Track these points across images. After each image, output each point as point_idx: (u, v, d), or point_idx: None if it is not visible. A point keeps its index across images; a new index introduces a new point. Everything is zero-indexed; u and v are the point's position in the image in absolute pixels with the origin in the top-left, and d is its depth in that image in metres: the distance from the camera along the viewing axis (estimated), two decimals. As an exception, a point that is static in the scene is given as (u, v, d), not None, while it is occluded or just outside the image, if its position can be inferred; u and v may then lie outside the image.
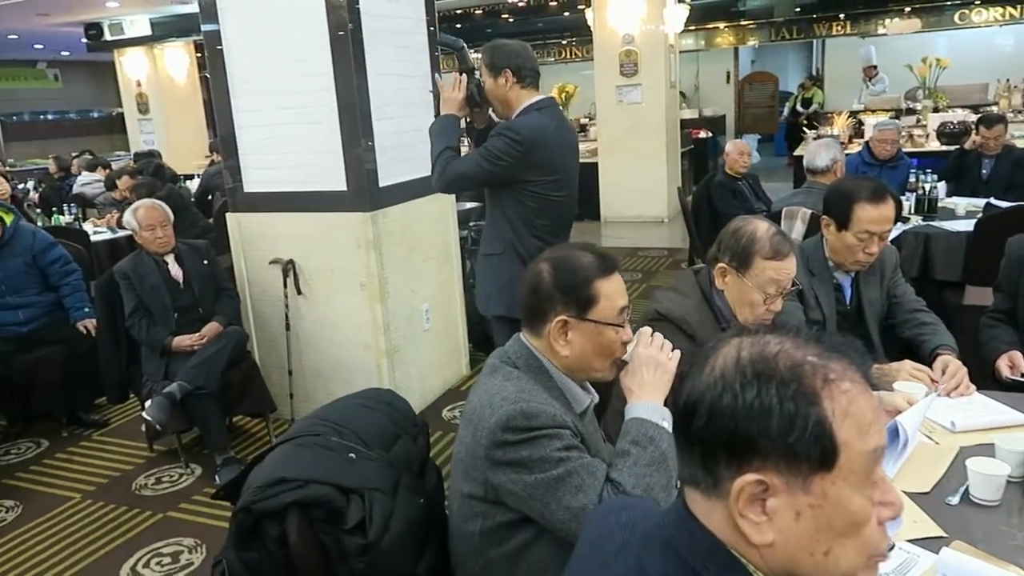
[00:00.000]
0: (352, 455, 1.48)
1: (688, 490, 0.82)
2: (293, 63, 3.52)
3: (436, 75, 3.14)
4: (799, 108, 12.68)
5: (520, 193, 2.61)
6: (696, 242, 5.17)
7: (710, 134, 11.58)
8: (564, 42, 14.08)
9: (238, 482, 1.50)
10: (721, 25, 12.89)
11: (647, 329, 1.53)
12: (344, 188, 3.56)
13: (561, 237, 2.75)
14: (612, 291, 1.47)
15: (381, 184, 3.62)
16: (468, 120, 2.77)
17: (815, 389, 0.74)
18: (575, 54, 14.11)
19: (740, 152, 5.03)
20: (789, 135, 12.92)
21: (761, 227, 1.90)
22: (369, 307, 3.65)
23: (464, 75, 2.67)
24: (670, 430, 1.41)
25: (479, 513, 1.42)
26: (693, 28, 11.96)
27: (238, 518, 1.41)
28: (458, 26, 12.74)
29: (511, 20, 12.67)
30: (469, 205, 4.76)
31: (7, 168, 11.07)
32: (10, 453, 3.80)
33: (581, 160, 9.61)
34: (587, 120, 10.93)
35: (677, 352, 1.52)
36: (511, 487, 1.36)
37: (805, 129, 9.08)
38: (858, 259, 2.29)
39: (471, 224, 4.50)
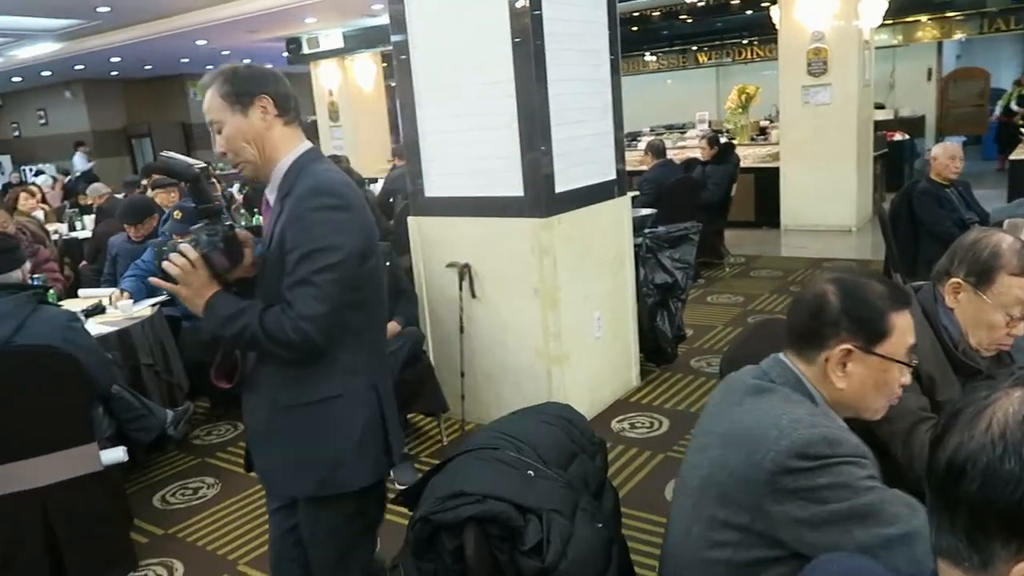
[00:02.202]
0: (531, 472, 1.43)
1: (943, 564, 0.69)
2: (475, 70, 3.58)
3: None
4: (1014, 107, 11.39)
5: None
6: (893, 253, 4.73)
7: (907, 136, 10.67)
8: (745, 42, 13.51)
9: (416, 490, 1.50)
10: (923, 18, 11.82)
11: None
12: (521, 194, 3.56)
13: (382, 345, 1.90)
14: (905, 326, 1.37)
15: (557, 190, 3.59)
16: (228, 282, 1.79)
17: None
18: (757, 54, 13.50)
19: (951, 156, 4.54)
20: (1001, 136, 11.64)
21: (1006, 240, 1.69)
22: (541, 313, 3.63)
23: (196, 246, 1.69)
24: None
25: (733, 542, 1.30)
26: (890, 22, 11.05)
27: (416, 527, 1.41)
28: (634, 29, 12.58)
29: (689, 20, 12.33)
30: (645, 211, 4.64)
31: (218, 171, 12.20)
32: (212, 433, 4.14)
33: (761, 164, 8.98)
34: (767, 123, 10.42)
35: None
36: (799, 513, 1.22)
37: (1023, 130, 8.11)
38: None
39: (646, 231, 4.38)
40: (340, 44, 12.36)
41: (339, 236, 1.65)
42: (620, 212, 4.11)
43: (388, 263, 3.76)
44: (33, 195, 7.26)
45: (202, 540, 3.08)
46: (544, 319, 3.63)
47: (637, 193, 5.99)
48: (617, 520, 1.60)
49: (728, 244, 7.41)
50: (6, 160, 17.58)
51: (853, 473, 1.21)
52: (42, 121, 18.97)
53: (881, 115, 10.75)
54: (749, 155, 8.85)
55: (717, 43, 13.81)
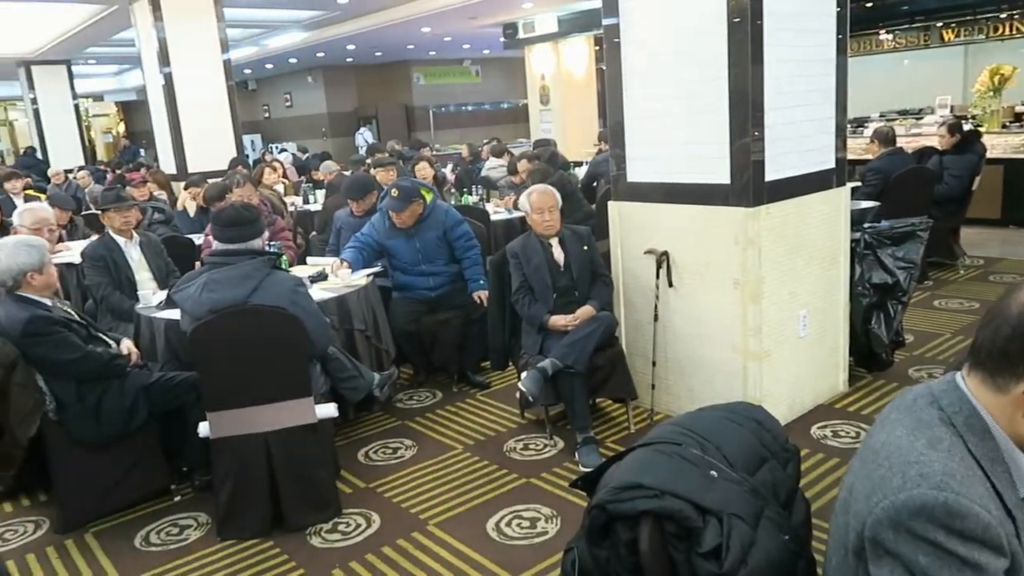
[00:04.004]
0: (713, 473, 1.37)
1: None
2: (687, 52, 3.47)
3: None
4: None
5: None
6: None
7: None
8: (1002, 15, 11.94)
9: (595, 476, 1.50)
10: None
11: None
12: (727, 181, 3.41)
13: None
14: None
15: (767, 178, 3.40)
16: None
17: None
18: (1017, 29, 11.88)
19: None
20: None
21: None
22: (741, 307, 3.47)
23: None
24: None
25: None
26: None
27: (592, 514, 1.41)
28: (868, 5, 11.58)
29: (935, -7, 11.11)
30: (866, 204, 4.27)
31: (433, 153, 12.90)
32: (413, 399, 4.41)
33: (1013, 155, 7.90)
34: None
35: None
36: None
37: None
38: None
39: (866, 225, 4.02)
40: (554, 28, 12.55)
41: None
42: (837, 204, 3.81)
43: (586, 247, 3.78)
44: (275, 170, 8.10)
45: (398, 497, 3.30)
46: (744, 313, 3.47)
47: (859, 184, 5.53)
48: (807, 534, 1.50)
49: (965, 243, 6.65)
50: (257, 139, 19.77)
51: (960, 561, 1.01)
52: (288, 104, 21.12)
53: None
54: (998, 144, 7.85)
55: (968, 18, 12.31)
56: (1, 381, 3.03)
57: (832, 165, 3.77)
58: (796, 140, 3.54)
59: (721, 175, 3.43)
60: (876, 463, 1.13)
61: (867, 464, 1.16)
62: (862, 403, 3.87)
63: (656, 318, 3.79)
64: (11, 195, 7.97)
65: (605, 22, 3.79)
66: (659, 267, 3.72)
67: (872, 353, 4.09)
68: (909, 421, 1.15)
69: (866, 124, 9.53)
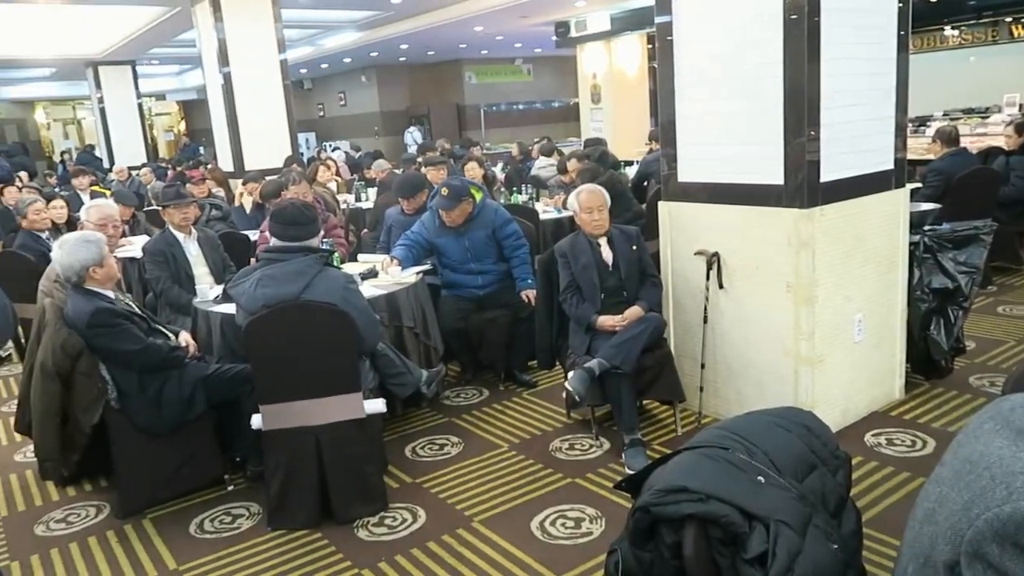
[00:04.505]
0: (761, 478, 1.36)
1: None
2: (742, 50, 3.41)
3: None
4: None
5: None
6: None
7: None
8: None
9: (640, 478, 1.49)
10: None
11: None
12: (780, 182, 3.35)
13: None
14: None
15: (823, 178, 3.33)
16: None
17: None
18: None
19: None
20: None
21: None
22: (793, 310, 3.41)
23: None
24: None
25: None
26: None
27: (636, 516, 1.40)
28: (932, 0, 11.23)
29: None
30: (926, 206, 4.15)
31: (483, 151, 12.95)
32: (459, 396, 4.44)
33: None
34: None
35: None
36: None
37: None
38: None
39: (926, 228, 3.91)
40: (607, 26, 12.48)
41: None
42: (895, 206, 3.71)
43: (635, 247, 3.76)
44: (329, 168, 8.24)
45: (443, 493, 3.33)
46: (796, 317, 3.40)
47: (919, 185, 5.38)
48: (857, 543, 1.47)
49: (1032, 248, 6.40)
50: (311, 137, 20.12)
51: None
52: (342, 103, 21.44)
53: None
54: (1070, 145, 7.52)
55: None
56: (67, 370, 3.17)
57: (891, 166, 3.67)
58: (854, 140, 3.46)
59: (775, 175, 3.37)
60: (975, 474, 1.08)
61: (962, 475, 1.11)
62: (919, 411, 3.76)
63: (705, 320, 3.75)
64: (78, 191, 8.29)
65: (658, 20, 3.76)
66: (709, 268, 3.68)
67: (930, 360, 3.97)
68: (1008, 431, 1.10)
69: (928, 123, 9.25)
